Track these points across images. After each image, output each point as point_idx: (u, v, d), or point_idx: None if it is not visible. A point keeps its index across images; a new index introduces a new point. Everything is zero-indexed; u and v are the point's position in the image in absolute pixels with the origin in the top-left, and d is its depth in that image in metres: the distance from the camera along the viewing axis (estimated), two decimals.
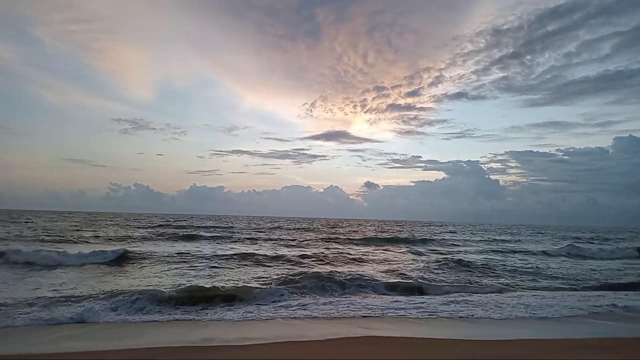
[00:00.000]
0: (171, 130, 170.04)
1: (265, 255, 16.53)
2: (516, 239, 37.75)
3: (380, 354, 5.40)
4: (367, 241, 27.92)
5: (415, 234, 38.20)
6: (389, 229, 46.89)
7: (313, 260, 16.19)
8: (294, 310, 8.35)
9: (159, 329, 6.80)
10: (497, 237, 37.96)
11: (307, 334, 6.55)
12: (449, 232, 48.62)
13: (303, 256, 17.18)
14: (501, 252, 23.29)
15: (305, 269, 13.54)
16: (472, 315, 8.19)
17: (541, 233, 52.03)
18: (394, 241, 28.44)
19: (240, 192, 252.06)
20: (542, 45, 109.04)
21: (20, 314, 7.10)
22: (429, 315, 8.16)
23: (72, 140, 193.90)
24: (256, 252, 17.81)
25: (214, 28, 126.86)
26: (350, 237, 30.02)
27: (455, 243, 29.57)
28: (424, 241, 29.47)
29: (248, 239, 26.66)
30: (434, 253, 21.72)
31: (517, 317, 8.22)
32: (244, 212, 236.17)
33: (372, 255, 19.10)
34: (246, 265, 14.54)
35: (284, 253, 17.88)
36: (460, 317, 8.14)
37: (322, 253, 18.66)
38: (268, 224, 56.61)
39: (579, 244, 28.22)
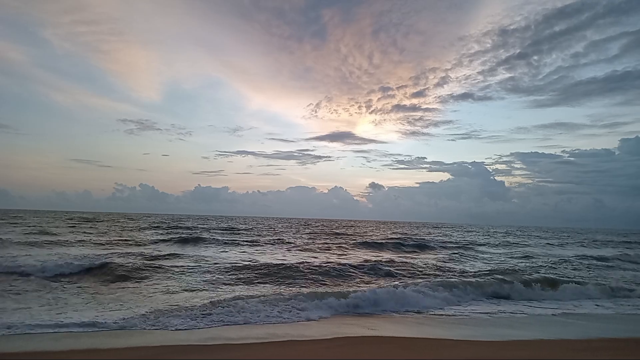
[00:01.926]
0: (176, 130, 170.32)
1: (270, 265, 13.49)
2: (545, 242, 35.80)
3: (379, 353, 5.39)
4: (398, 247, 24.58)
5: (439, 237, 35.55)
6: (406, 232, 44.91)
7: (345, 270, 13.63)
8: None
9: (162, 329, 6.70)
10: (524, 241, 35.49)
11: (309, 333, 6.54)
12: (460, 233, 47.43)
13: (320, 268, 13.56)
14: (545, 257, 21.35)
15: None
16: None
17: (557, 237, 49.79)
18: (426, 247, 25.18)
19: (245, 192, 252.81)
20: (550, 45, 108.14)
21: None
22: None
23: (78, 141, 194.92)
24: (260, 259, 15.57)
25: (221, 30, 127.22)
26: (368, 241, 26.54)
27: (482, 247, 27.12)
28: (454, 245, 26.75)
29: (251, 241, 24.62)
30: (473, 259, 19.48)
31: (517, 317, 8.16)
32: (248, 213, 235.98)
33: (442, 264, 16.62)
34: (246, 278, 11.58)
35: (308, 260, 15.48)
36: (456, 317, 8.19)
37: (342, 260, 15.96)
38: (279, 225, 55.45)
39: (629, 250, 26.94)
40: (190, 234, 27.04)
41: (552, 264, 17.95)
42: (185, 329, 6.54)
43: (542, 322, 8.01)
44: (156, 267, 12.92)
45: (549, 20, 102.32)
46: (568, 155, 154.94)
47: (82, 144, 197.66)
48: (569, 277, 13.65)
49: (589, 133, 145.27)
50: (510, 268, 15.44)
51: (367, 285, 11.31)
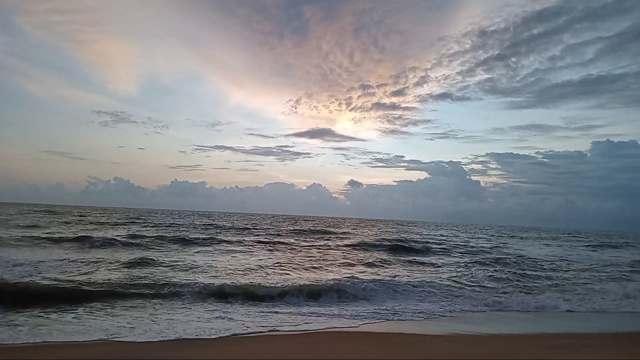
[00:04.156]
0: (153, 124, 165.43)
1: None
2: (548, 243, 34.53)
3: (345, 349, 5.41)
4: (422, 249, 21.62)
5: (433, 237, 32.47)
6: (396, 231, 42.83)
7: None
8: None
9: None
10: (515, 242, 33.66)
11: (283, 328, 6.54)
12: (444, 232, 46.29)
13: None
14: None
15: None
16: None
17: (542, 238, 46.21)
18: (437, 250, 22.29)
19: (223, 188, 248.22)
20: (527, 48, 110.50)
21: None
22: None
23: (51, 132, 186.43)
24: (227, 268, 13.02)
25: (202, 23, 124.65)
26: (369, 244, 22.87)
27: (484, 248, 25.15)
28: (456, 246, 24.85)
29: (224, 241, 20.56)
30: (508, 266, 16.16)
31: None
32: (226, 208, 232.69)
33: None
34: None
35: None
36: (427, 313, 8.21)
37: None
38: (255, 221, 50.29)
39: None
40: (155, 234, 22.07)
41: None
42: None
43: (515, 319, 8.12)
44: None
45: (527, 22, 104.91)
46: (542, 156, 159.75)
47: (55, 136, 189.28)
48: None
49: (563, 135, 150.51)
50: None
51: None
